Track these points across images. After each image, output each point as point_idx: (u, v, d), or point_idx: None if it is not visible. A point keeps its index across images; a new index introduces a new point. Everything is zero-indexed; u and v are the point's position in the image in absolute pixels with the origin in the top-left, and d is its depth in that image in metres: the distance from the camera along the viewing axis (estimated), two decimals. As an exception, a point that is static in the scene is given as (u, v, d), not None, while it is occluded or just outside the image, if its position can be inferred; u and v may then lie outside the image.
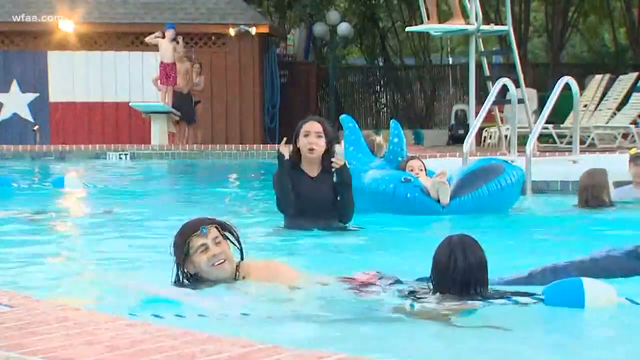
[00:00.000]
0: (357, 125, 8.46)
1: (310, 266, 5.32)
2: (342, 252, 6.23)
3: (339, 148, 6.97)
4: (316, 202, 6.89)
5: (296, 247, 6.36)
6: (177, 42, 19.45)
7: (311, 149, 6.87)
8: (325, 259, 5.87)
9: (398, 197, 7.75)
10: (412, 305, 4.18)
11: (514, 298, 4.23)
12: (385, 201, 7.72)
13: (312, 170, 6.98)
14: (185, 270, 4.66)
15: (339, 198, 6.93)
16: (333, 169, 6.87)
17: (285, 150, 6.91)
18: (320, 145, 6.88)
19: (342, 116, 8.51)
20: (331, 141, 6.96)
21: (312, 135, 6.87)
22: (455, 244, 4.29)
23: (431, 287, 4.35)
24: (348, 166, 6.95)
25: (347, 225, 7.05)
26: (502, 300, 4.20)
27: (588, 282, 4.23)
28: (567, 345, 3.82)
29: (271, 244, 6.56)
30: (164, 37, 19.09)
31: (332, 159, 6.86)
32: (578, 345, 3.83)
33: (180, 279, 4.66)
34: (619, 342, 3.87)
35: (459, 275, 4.23)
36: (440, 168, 8.36)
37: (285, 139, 7.02)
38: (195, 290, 4.60)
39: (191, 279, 4.68)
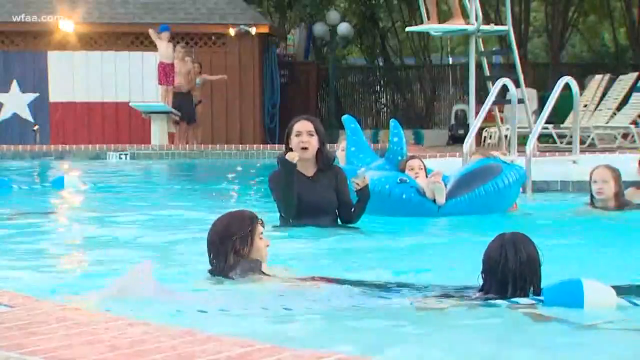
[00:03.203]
0: (359, 126, 8.47)
1: (305, 266, 5.32)
2: (338, 252, 6.22)
3: (360, 172, 7.03)
4: (314, 203, 6.88)
5: (292, 248, 6.35)
6: (177, 42, 19.50)
7: (304, 147, 6.88)
8: (322, 259, 5.86)
9: (394, 198, 7.74)
10: (411, 304, 4.18)
11: (514, 299, 4.22)
12: (382, 202, 7.70)
13: (307, 170, 6.98)
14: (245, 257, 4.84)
15: (353, 209, 7.00)
16: (355, 190, 6.94)
17: (295, 156, 6.84)
18: (313, 143, 6.89)
19: (345, 117, 8.51)
20: (323, 138, 6.98)
21: (304, 135, 6.88)
22: (508, 240, 4.28)
23: (480, 285, 4.32)
24: (368, 183, 7.00)
25: (344, 225, 7.06)
26: (502, 301, 4.20)
27: (587, 283, 4.22)
28: (566, 346, 3.82)
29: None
30: (160, 38, 19.14)
31: (353, 180, 6.91)
32: (577, 346, 3.83)
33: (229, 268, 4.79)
34: (618, 343, 3.87)
35: (511, 271, 4.21)
36: (436, 168, 8.35)
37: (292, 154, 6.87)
38: (195, 290, 4.60)
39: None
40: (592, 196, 8.05)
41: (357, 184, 6.92)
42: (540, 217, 8.42)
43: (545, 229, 7.51)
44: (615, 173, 8.05)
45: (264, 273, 4.87)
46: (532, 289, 4.27)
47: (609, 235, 7.20)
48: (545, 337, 3.95)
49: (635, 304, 4.28)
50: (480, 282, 4.35)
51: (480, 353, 3.64)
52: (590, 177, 8.07)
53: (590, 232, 7.33)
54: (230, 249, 4.82)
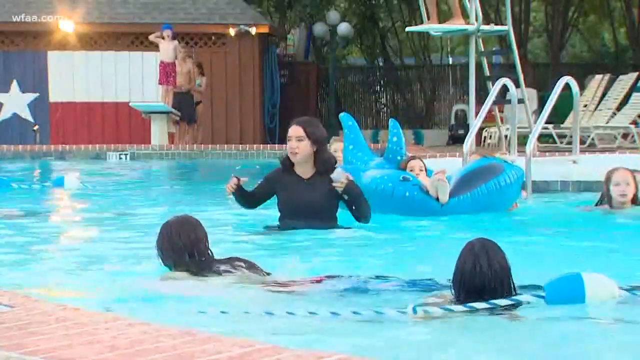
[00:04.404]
0: (356, 124, 8.44)
1: (301, 266, 5.33)
2: (333, 252, 6.21)
3: (336, 172, 6.95)
4: (306, 205, 6.88)
5: (288, 247, 6.35)
6: (179, 42, 19.53)
7: (292, 153, 6.89)
8: (316, 259, 5.85)
9: (397, 196, 7.73)
10: (414, 310, 4.15)
11: (515, 296, 4.22)
12: (384, 200, 7.71)
13: (304, 172, 6.98)
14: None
15: (354, 207, 6.95)
16: (339, 191, 6.85)
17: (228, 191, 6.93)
18: (302, 148, 6.87)
19: (341, 115, 8.49)
20: (318, 141, 6.91)
21: (292, 140, 6.89)
22: (479, 250, 4.24)
23: (452, 294, 4.28)
24: (352, 179, 6.91)
25: (340, 225, 7.03)
26: (503, 300, 4.18)
27: (588, 277, 4.23)
28: (568, 340, 3.82)
29: (264, 243, 6.56)
30: (163, 38, 19.18)
31: (333, 184, 6.85)
32: (579, 340, 3.83)
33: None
34: (620, 335, 3.87)
35: (485, 281, 4.18)
36: (439, 167, 8.35)
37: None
38: (195, 290, 4.60)
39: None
40: (609, 197, 8.00)
41: (340, 185, 6.83)
42: (542, 216, 8.42)
43: (547, 228, 7.51)
44: (632, 174, 8.07)
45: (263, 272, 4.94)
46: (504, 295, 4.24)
47: (624, 233, 7.20)
48: (549, 331, 3.95)
49: (637, 294, 4.28)
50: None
51: (482, 352, 3.64)
52: (608, 179, 8.00)
53: (600, 231, 7.33)
54: (203, 249, 5.06)
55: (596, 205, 8.20)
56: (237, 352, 2.76)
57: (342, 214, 7.11)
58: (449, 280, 4.44)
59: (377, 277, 5.00)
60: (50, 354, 2.78)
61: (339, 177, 6.85)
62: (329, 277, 4.97)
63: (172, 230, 5.05)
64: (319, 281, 4.88)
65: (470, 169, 8.25)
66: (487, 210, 7.86)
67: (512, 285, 4.25)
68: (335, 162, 7.13)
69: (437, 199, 7.75)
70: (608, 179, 8.02)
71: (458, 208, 7.76)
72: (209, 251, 5.08)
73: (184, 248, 5.00)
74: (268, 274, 5.03)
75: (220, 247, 5.40)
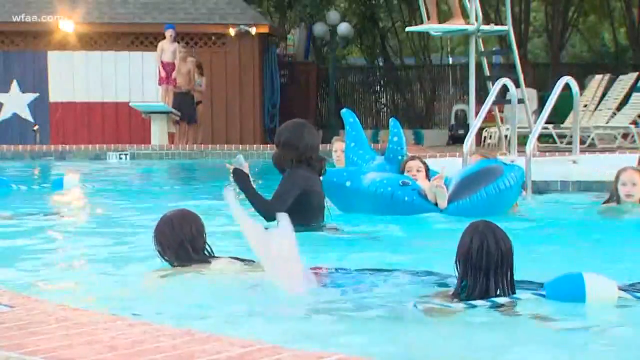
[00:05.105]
0: (358, 120, 8.41)
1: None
2: (320, 251, 6.20)
3: (240, 157, 6.80)
4: None
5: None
6: (178, 42, 19.54)
7: None
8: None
9: (396, 200, 7.71)
10: (415, 306, 4.15)
11: (515, 295, 4.22)
12: (384, 205, 7.68)
13: None
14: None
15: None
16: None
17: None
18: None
19: (343, 111, 8.42)
20: (277, 142, 6.89)
21: None
22: (485, 229, 4.22)
23: (456, 272, 4.26)
24: (238, 168, 6.70)
25: (329, 225, 6.98)
26: (504, 299, 4.19)
27: (589, 277, 4.24)
28: (568, 339, 3.82)
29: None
30: (164, 37, 19.23)
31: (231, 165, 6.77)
32: (579, 340, 3.83)
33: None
34: (620, 335, 3.87)
35: (492, 260, 4.18)
36: (438, 170, 8.32)
37: None
38: (193, 289, 4.60)
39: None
40: (617, 196, 7.99)
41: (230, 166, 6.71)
42: (542, 216, 8.41)
43: (547, 228, 7.51)
44: None
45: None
46: (509, 277, 4.24)
47: (628, 232, 7.20)
48: (550, 333, 3.95)
49: (637, 296, 4.29)
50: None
51: (483, 349, 3.64)
52: (617, 178, 8.01)
53: (602, 230, 7.33)
54: (203, 243, 5.07)
55: (604, 203, 8.20)
56: (237, 352, 2.76)
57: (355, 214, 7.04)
58: (447, 277, 4.45)
59: (377, 270, 5.00)
60: (50, 354, 2.78)
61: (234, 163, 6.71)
62: (326, 271, 4.96)
63: (174, 223, 5.02)
64: (316, 274, 4.87)
65: (469, 173, 8.19)
66: (487, 214, 7.82)
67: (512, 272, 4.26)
68: (279, 161, 6.94)
69: (436, 204, 7.73)
70: (617, 177, 8.03)
71: (457, 212, 7.71)
72: (208, 248, 5.07)
73: (186, 241, 4.97)
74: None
75: (220, 247, 5.40)
